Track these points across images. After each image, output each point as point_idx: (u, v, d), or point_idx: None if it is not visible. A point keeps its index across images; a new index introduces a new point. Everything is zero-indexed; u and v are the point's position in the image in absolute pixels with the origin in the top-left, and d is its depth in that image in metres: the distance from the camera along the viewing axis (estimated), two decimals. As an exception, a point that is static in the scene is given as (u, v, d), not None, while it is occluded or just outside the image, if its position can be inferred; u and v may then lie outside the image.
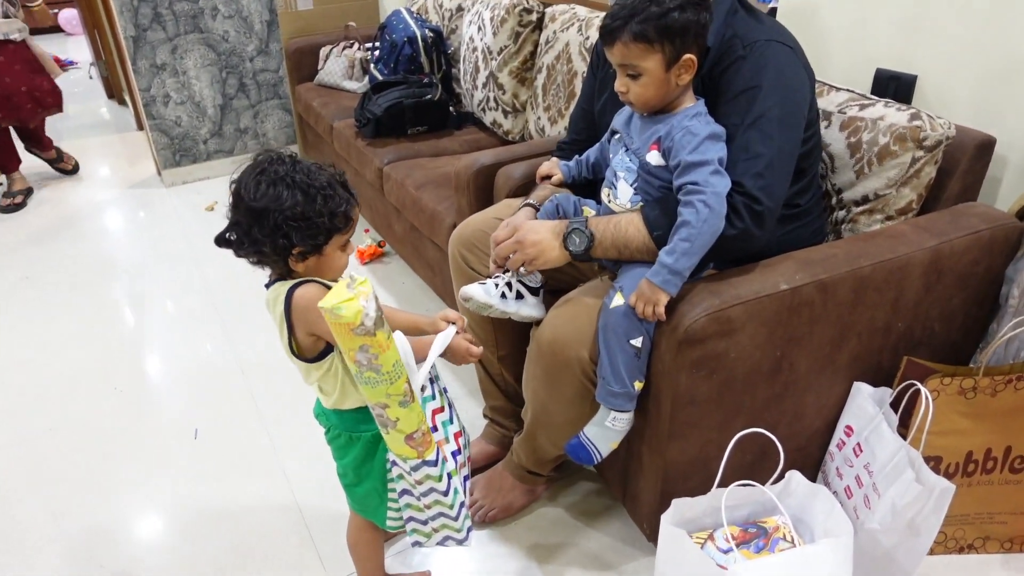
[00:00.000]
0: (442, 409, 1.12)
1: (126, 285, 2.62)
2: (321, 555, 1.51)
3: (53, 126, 4.53)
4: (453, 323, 1.15)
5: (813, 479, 1.50)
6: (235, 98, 3.42)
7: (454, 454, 1.13)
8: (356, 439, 1.16)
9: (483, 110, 2.61)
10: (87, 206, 3.30)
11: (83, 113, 4.78)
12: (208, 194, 3.33)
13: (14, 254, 2.88)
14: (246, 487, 1.69)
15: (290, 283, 1.05)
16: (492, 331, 1.57)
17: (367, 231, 2.81)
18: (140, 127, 4.22)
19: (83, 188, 3.52)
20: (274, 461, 1.76)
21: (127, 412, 1.96)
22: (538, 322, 1.36)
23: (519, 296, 1.35)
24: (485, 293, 1.33)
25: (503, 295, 1.33)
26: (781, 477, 1.18)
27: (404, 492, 1.14)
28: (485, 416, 1.72)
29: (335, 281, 1.08)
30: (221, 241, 1.05)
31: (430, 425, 1.06)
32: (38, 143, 3.50)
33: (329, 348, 1.08)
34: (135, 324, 2.39)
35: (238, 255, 1.05)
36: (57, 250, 2.90)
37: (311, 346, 1.07)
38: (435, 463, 1.07)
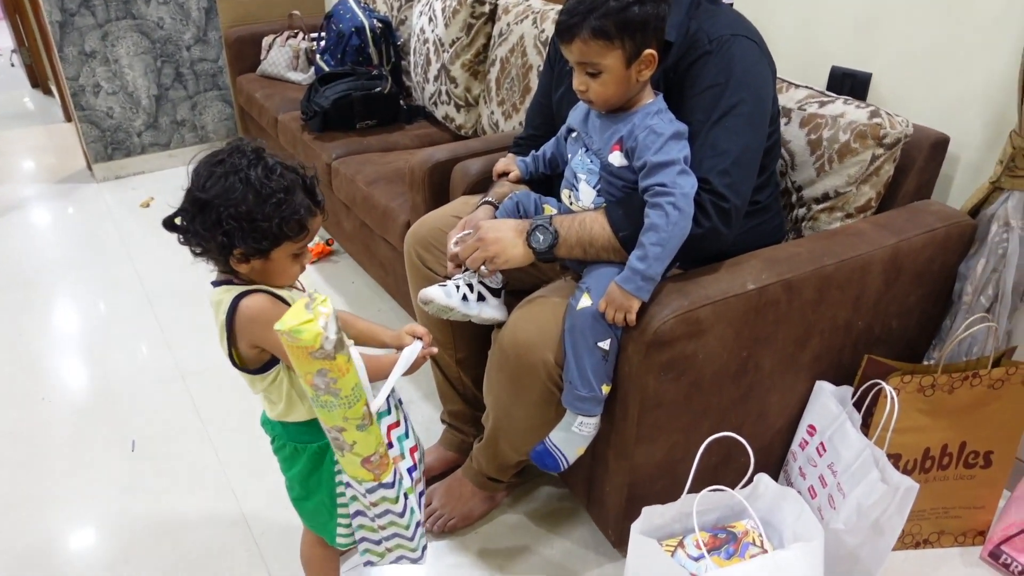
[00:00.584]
0: (398, 423, 1.06)
1: (53, 286, 2.46)
2: (271, 572, 1.44)
3: (-30, 117, 4.27)
4: (420, 338, 1.08)
5: (775, 478, 1.50)
6: (171, 88, 3.26)
7: (410, 470, 1.07)
8: (302, 450, 1.10)
9: (435, 104, 2.54)
10: (9, 202, 3.10)
11: (5, 103, 4.50)
12: (144, 189, 3.16)
13: (-72, 254, 2.68)
14: (189, 501, 1.60)
15: (237, 290, 0.97)
16: (450, 333, 1.52)
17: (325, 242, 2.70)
18: (68, 118, 3.99)
19: (4, 184, 3.30)
20: (219, 473, 1.67)
21: (57, 424, 1.83)
22: (500, 324, 1.31)
23: (481, 298, 1.30)
24: (446, 295, 1.27)
25: (464, 297, 1.28)
26: (750, 481, 1.17)
27: (358, 513, 1.08)
28: (443, 421, 1.67)
29: (283, 289, 1.02)
30: (169, 224, 0.97)
31: (386, 443, 1.01)
32: None
33: (275, 359, 1.01)
34: (64, 328, 2.24)
35: (181, 243, 0.98)
36: (-23, 249, 2.71)
37: (255, 358, 1.01)
38: (392, 485, 1.01)
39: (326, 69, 2.71)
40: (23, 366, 2.05)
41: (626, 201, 1.18)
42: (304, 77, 3.00)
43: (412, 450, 1.10)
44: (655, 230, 1.10)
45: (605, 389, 1.19)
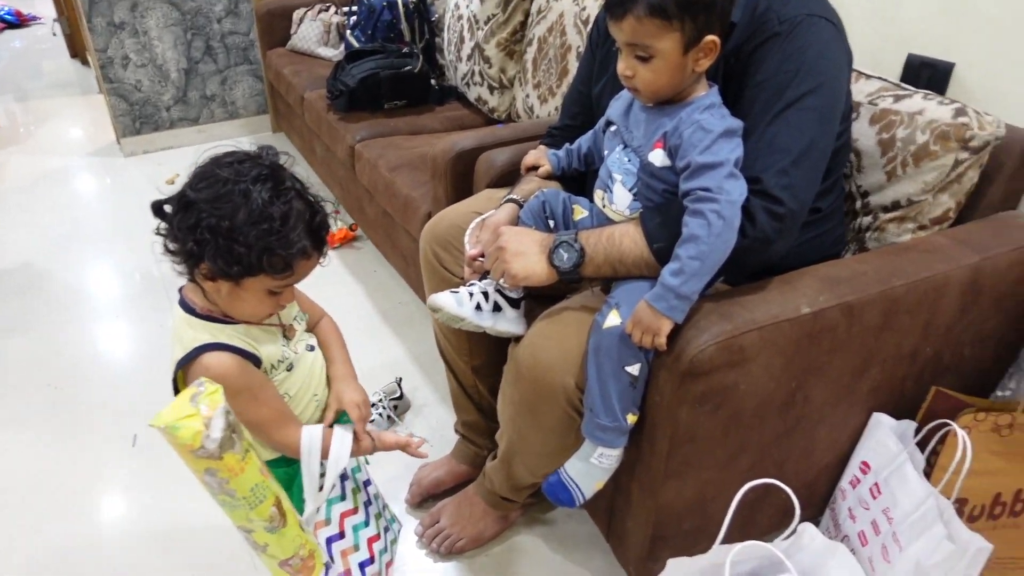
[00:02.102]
0: (354, 511, 0.94)
1: (71, 265, 2.41)
2: (266, 587, 1.34)
3: (19, 85, 4.27)
4: (351, 422, 0.97)
5: (818, 516, 1.35)
6: (201, 62, 3.17)
7: (363, 565, 0.96)
8: (271, 468, 0.99)
9: (467, 85, 2.40)
10: (37, 174, 3.06)
11: (46, 72, 4.49)
12: (170, 165, 3.09)
13: (-47, 225, 2.65)
14: (189, 502, 1.51)
15: (200, 332, 0.87)
16: (466, 339, 1.39)
17: (337, 212, 2.60)
18: (100, 90, 3.96)
19: (37, 154, 3.27)
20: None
21: (62, 411, 1.77)
22: (518, 338, 1.18)
23: (496, 308, 1.16)
24: (457, 304, 1.14)
25: (478, 306, 1.15)
26: (793, 532, 1.02)
27: None
28: (456, 431, 1.55)
29: (256, 326, 0.91)
30: (157, 209, 0.87)
31: (335, 533, 0.90)
32: None
33: None
34: (78, 309, 2.18)
35: (156, 232, 0.88)
36: None
37: None
38: None
39: (356, 45, 2.59)
40: (34, 349, 1.99)
41: (665, 208, 1.03)
42: (335, 53, 2.88)
43: (371, 540, 0.99)
44: (694, 241, 0.95)
45: (631, 419, 1.05)
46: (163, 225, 0.87)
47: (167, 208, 0.87)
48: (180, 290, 0.94)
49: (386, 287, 2.26)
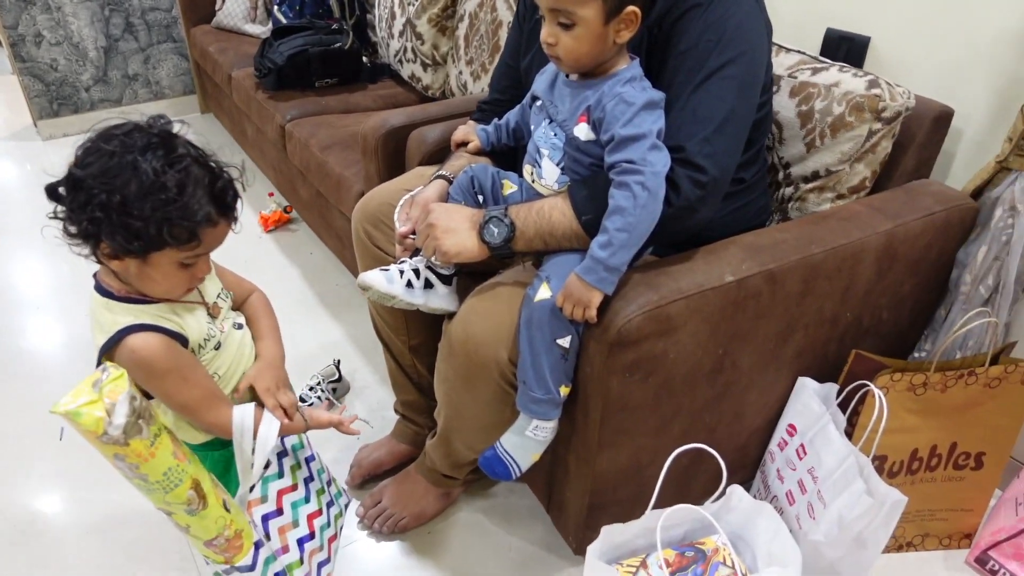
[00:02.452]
0: (293, 487, 0.94)
1: (-11, 254, 2.29)
2: (202, 572, 1.32)
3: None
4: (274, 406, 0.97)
5: (751, 479, 1.40)
6: (121, 40, 3.03)
7: (302, 541, 0.96)
8: (203, 457, 0.97)
9: (400, 62, 2.36)
10: (-52, 160, 2.90)
11: (-50, 52, 4.22)
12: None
13: None
14: (116, 497, 1.46)
15: (120, 314, 0.84)
16: (402, 318, 1.38)
17: (271, 195, 2.53)
18: (13, 70, 3.75)
19: (-56, 139, 3.09)
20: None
21: (-20, 407, 1.69)
22: (451, 315, 1.18)
23: (428, 285, 1.15)
24: (388, 282, 1.13)
25: (409, 284, 1.14)
26: (723, 494, 1.05)
27: None
28: (396, 411, 1.54)
29: (182, 304, 0.89)
30: (51, 192, 0.83)
31: (272, 510, 0.89)
32: None
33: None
34: (-3, 301, 2.08)
35: (50, 217, 0.84)
36: (-93, 212, 2.52)
37: None
38: (251, 567, 0.90)
39: (284, 21, 2.52)
40: (-53, 343, 1.90)
41: (591, 181, 1.04)
42: (262, 30, 2.79)
43: (311, 516, 0.99)
44: (620, 213, 0.96)
45: (564, 391, 1.06)
46: (60, 208, 0.83)
47: (61, 190, 0.83)
48: (95, 275, 0.90)
49: (322, 269, 2.22)
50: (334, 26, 2.41)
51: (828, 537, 1.13)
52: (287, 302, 2.03)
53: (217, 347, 0.94)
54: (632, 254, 0.98)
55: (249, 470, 0.93)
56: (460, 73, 2.15)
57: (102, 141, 0.81)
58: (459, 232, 1.07)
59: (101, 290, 0.87)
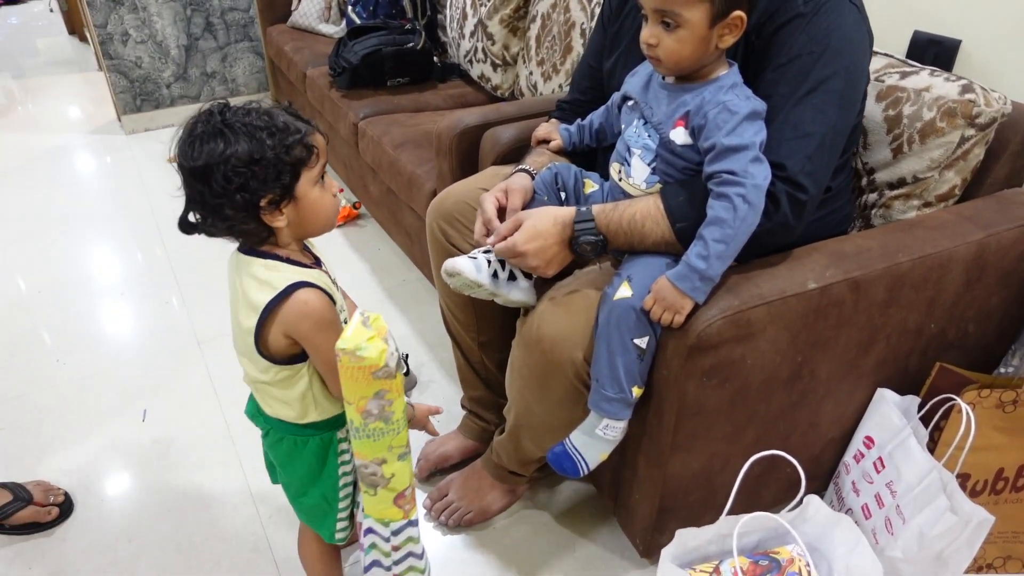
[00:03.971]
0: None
1: (74, 242, 2.41)
2: (276, 559, 1.36)
3: (17, 63, 4.23)
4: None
5: (823, 490, 1.37)
6: (201, 39, 3.15)
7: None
8: (302, 444, 1.01)
9: (470, 62, 2.39)
10: (38, 152, 3.05)
11: (47, 50, 4.46)
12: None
13: (-45, 203, 2.65)
14: (196, 478, 1.53)
15: (288, 273, 0.90)
16: (473, 314, 1.40)
17: (341, 191, 2.58)
18: (101, 67, 3.94)
19: (36, 132, 3.26)
20: (230, 450, 1.60)
21: (69, 387, 1.78)
22: (528, 309, 1.19)
23: (512, 277, 1.17)
24: (475, 270, 1.14)
25: (495, 274, 1.15)
26: (800, 503, 1.04)
27: (373, 565, 0.99)
28: (463, 406, 1.56)
29: (321, 229, 0.94)
30: (185, 226, 0.90)
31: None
32: None
33: (304, 355, 0.93)
34: (83, 287, 2.19)
35: (210, 234, 0.90)
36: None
37: (283, 348, 0.92)
38: (417, 522, 0.95)
39: (357, 21, 2.57)
40: (41, 325, 2.00)
41: (689, 185, 1.03)
42: (336, 30, 2.86)
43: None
44: (720, 225, 0.96)
45: (636, 392, 1.06)
46: (203, 230, 0.89)
47: (191, 218, 0.89)
48: (241, 249, 0.94)
49: (390, 265, 2.26)
50: (407, 26, 2.45)
51: (907, 554, 1.10)
52: (355, 297, 2.05)
53: (345, 322, 0.98)
54: (727, 266, 0.98)
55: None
56: (531, 73, 2.16)
57: (191, 138, 0.85)
58: (549, 252, 1.09)
59: (262, 254, 0.92)
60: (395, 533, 0.95)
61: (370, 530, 0.95)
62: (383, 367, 0.78)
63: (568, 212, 1.09)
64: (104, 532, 1.42)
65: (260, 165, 0.83)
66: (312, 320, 0.89)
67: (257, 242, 0.91)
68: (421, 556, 1.00)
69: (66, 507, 1.44)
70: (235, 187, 0.83)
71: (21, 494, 1.41)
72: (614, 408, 1.07)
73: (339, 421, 1.00)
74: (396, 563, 0.98)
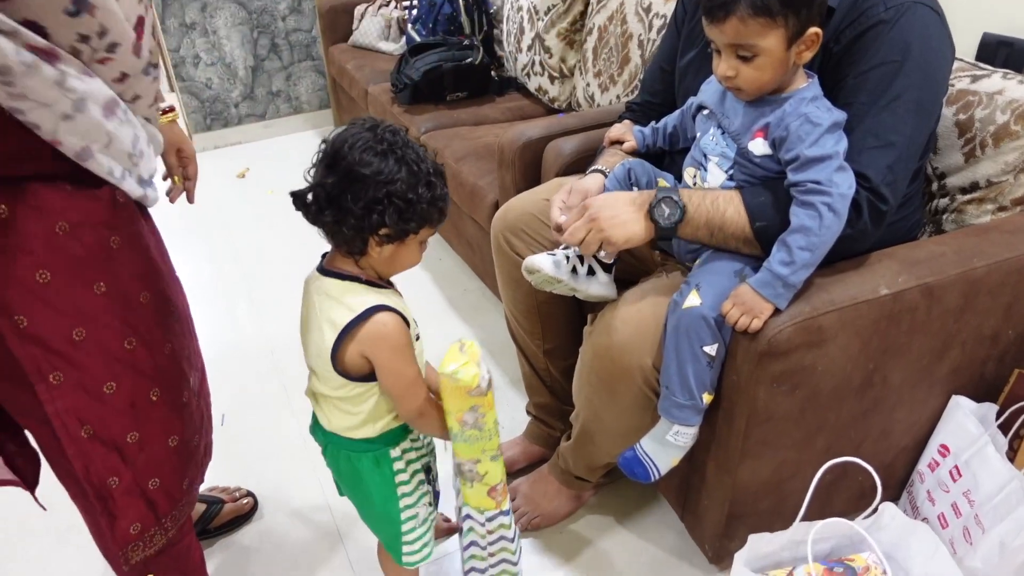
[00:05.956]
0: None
1: (155, 256, 2.53)
2: (351, 560, 1.41)
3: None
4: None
5: (896, 499, 1.35)
6: (267, 59, 3.28)
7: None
8: (356, 459, 1.03)
9: (527, 75, 2.43)
10: (117, 171, 3.21)
11: (116, 73, 4.68)
12: (240, 160, 3.21)
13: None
14: (272, 481, 1.59)
15: (367, 296, 0.93)
16: (539, 321, 1.43)
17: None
18: (172, 88, 4.11)
19: (114, 152, 3.43)
20: (304, 454, 1.66)
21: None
22: (594, 317, 1.21)
23: (590, 272, 1.19)
24: (554, 266, 1.16)
25: (574, 269, 1.18)
26: (875, 510, 1.03)
27: (471, 544, 1.09)
28: (528, 413, 1.59)
29: (388, 280, 0.99)
30: (299, 200, 0.92)
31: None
32: None
33: (374, 376, 0.96)
34: (163, 298, 2.29)
35: (312, 221, 0.92)
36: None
37: (357, 366, 0.95)
38: (509, 512, 1.06)
39: (417, 39, 2.64)
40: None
41: (771, 187, 1.04)
42: (395, 47, 2.94)
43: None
44: (804, 232, 0.97)
45: (707, 398, 1.07)
46: (309, 212, 0.90)
47: (309, 196, 0.90)
48: (324, 266, 0.97)
49: (452, 275, 2.31)
50: (465, 42, 2.51)
51: (987, 564, 1.08)
52: (417, 306, 2.08)
53: (417, 338, 1.02)
54: (810, 273, 0.99)
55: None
56: (588, 85, 2.19)
57: (369, 141, 0.87)
58: (624, 218, 1.07)
59: (342, 276, 0.95)
60: (489, 520, 1.05)
61: (468, 516, 1.06)
62: (476, 387, 0.92)
63: (646, 191, 1.10)
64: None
65: (407, 204, 0.87)
66: (388, 343, 0.93)
67: (344, 253, 0.94)
68: (513, 540, 1.09)
69: (254, 498, 1.54)
70: (376, 210, 0.86)
71: (211, 499, 1.49)
72: (684, 414, 1.09)
73: (392, 438, 1.03)
74: (490, 544, 1.08)
